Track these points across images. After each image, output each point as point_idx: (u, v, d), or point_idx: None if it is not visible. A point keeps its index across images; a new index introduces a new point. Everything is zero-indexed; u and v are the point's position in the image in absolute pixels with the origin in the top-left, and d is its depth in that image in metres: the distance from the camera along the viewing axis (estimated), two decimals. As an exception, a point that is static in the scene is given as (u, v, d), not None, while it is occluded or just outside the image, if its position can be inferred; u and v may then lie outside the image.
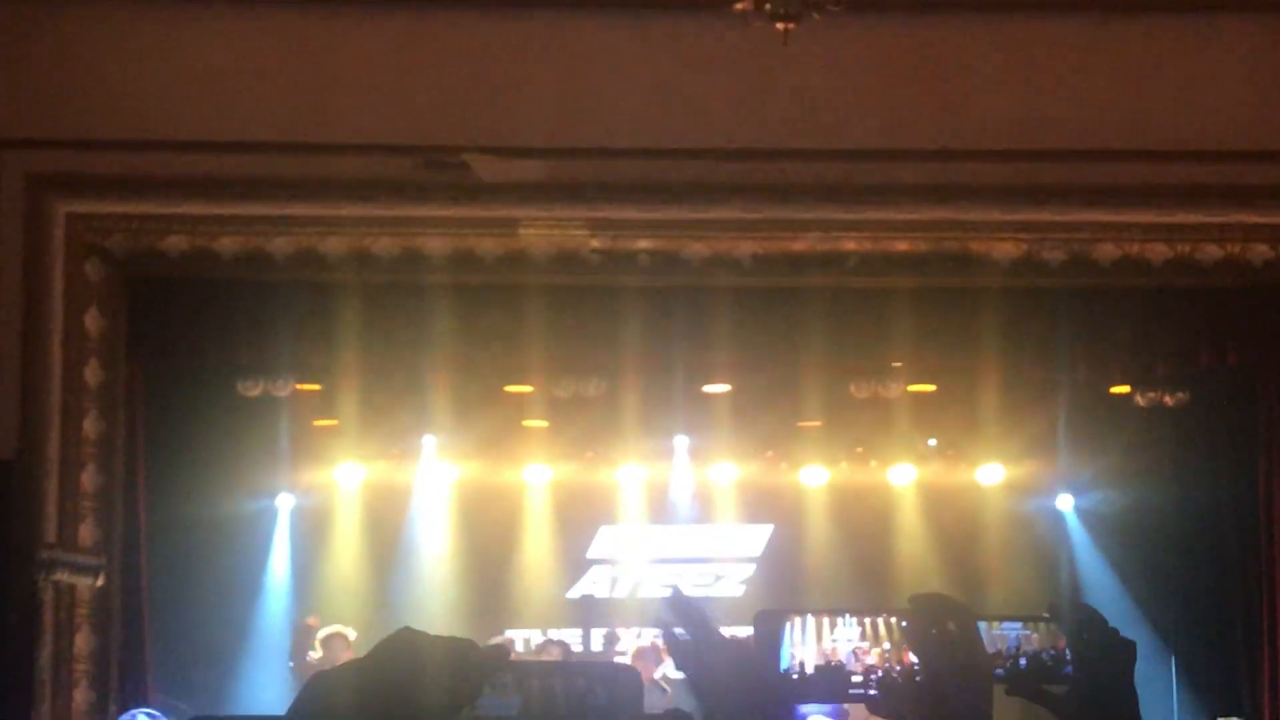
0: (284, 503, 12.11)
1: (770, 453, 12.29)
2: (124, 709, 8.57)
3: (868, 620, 2.11)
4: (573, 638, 12.56)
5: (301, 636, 11.39)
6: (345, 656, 9.78)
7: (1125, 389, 10.43)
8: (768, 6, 6.63)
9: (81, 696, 8.47)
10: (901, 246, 8.87)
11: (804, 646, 2.10)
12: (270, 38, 8.63)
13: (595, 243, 8.85)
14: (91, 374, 8.63)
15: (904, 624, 2.08)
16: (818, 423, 11.69)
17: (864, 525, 12.46)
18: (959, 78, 8.73)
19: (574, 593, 12.75)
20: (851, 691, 2.11)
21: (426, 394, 10.42)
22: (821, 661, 2.09)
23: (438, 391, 10.37)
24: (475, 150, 8.60)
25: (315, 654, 11.05)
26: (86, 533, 8.55)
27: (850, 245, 8.89)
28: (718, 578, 12.88)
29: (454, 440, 11.86)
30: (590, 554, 12.78)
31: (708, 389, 10.85)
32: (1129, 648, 2.15)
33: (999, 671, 2.15)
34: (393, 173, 8.63)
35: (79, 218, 8.57)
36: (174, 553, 10.00)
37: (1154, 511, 11.18)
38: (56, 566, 8.26)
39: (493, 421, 11.41)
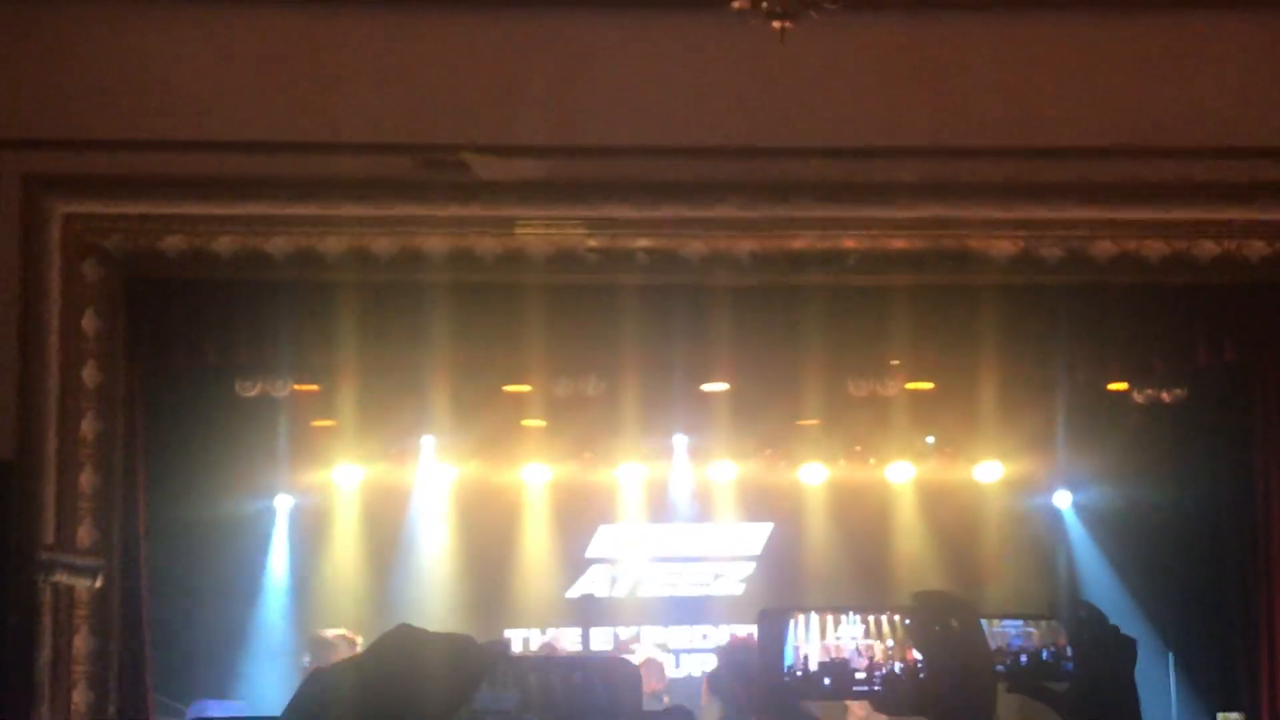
0: (283, 503, 12.12)
1: (769, 451, 12.30)
2: (122, 710, 8.58)
3: (871, 617, 2.11)
4: (572, 637, 12.57)
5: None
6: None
7: (1123, 386, 10.44)
8: (764, 5, 6.62)
9: (80, 697, 8.46)
10: (899, 244, 8.88)
11: (808, 644, 2.10)
12: (268, 37, 8.63)
13: (593, 242, 8.85)
14: (89, 374, 8.63)
15: (907, 621, 2.08)
16: (816, 421, 11.71)
17: (863, 523, 12.48)
18: (956, 75, 8.73)
19: (573, 592, 12.76)
20: (855, 689, 2.11)
21: (425, 394, 10.42)
22: (825, 659, 2.10)
23: (436, 391, 10.37)
24: (473, 149, 8.60)
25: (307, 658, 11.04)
26: (85, 534, 8.54)
27: (848, 243, 8.89)
28: (717, 576, 12.90)
29: (453, 440, 11.87)
30: (589, 553, 12.79)
31: (706, 387, 10.86)
32: (1130, 645, 2.16)
33: (999, 669, 2.15)
34: (391, 172, 8.63)
35: (76, 218, 8.57)
36: (173, 554, 10.00)
37: (1151, 508, 11.19)
38: (55, 568, 8.26)
39: (491, 421, 11.42)
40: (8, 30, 8.45)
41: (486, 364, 9.81)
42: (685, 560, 12.91)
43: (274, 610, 11.90)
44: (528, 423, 11.61)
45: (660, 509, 12.62)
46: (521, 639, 12.34)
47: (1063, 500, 12.43)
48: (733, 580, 12.85)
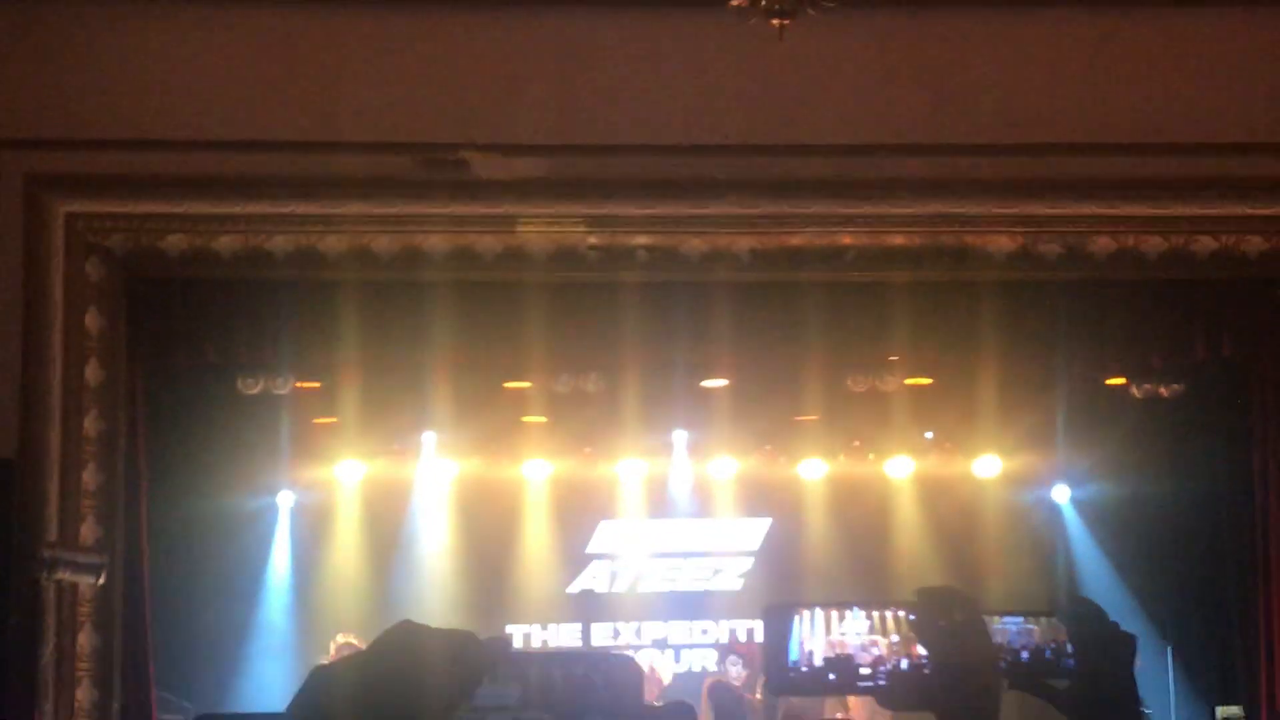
0: (285, 500, 12.14)
1: (768, 446, 12.33)
2: (125, 707, 8.60)
3: (876, 613, 2.14)
4: (573, 633, 12.60)
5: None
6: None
7: (1121, 381, 10.47)
8: (763, 3, 6.64)
9: (84, 695, 8.49)
10: (898, 240, 8.90)
11: (813, 639, 2.12)
12: (269, 36, 8.64)
13: (593, 239, 8.87)
14: (92, 373, 8.65)
15: (912, 617, 2.11)
16: (816, 416, 11.72)
17: (862, 518, 12.50)
18: (954, 72, 8.75)
19: (574, 588, 12.78)
20: (860, 684, 2.14)
21: (426, 391, 10.44)
22: (830, 654, 2.12)
23: (437, 388, 10.39)
24: (474, 147, 8.62)
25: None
26: (88, 531, 8.57)
27: (847, 239, 8.91)
28: (717, 571, 12.92)
29: (454, 437, 11.89)
30: (590, 549, 12.81)
31: (706, 384, 10.89)
32: (1130, 641, 2.18)
33: (1000, 665, 2.17)
34: (392, 171, 8.65)
35: (78, 217, 8.59)
36: (175, 551, 10.03)
37: (1150, 502, 11.22)
38: (58, 565, 8.28)
39: (492, 418, 11.44)
40: (10, 30, 8.47)
41: (487, 361, 9.83)
42: (685, 556, 12.93)
43: (276, 607, 11.92)
44: (528, 419, 11.63)
45: (660, 504, 12.64)
46: (522, 634, 12.36)
47: (1061, 495, 12.45)
48: (732, 575, 12.88)
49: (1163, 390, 10.33)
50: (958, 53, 8.78)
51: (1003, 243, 8.89)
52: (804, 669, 2.16)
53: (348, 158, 8.65)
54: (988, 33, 8.79)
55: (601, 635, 12.66)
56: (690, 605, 12.77)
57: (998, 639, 2.21)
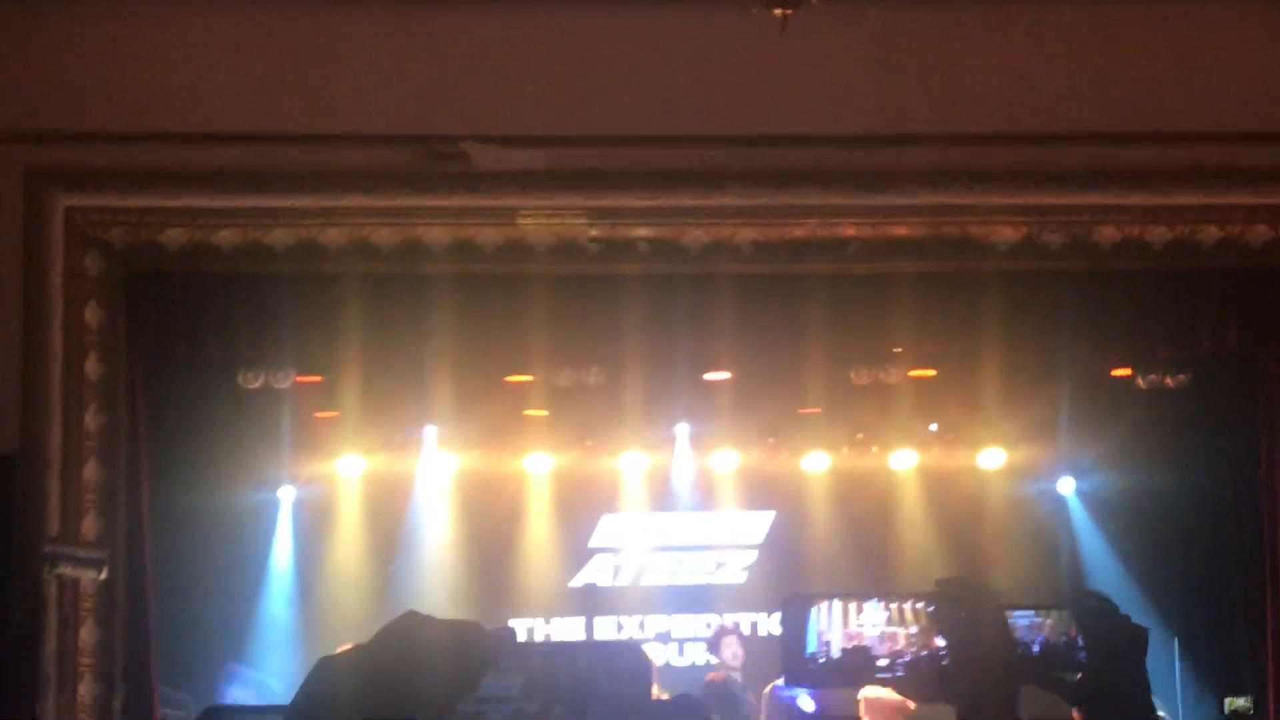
0: (286, 494, 12.12)
1: (771, 439, 12.29)
2: (128, 702, 8.59)
3: (894, 604, 2.11)
4: (575, 627, 12.58)
5: None
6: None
7: (1126, 372, 10.43)
8: (766, -7, 6.61)
9: (86, 690, 8.47)
10: (901, 232, 8.87)
11: (830, 630, 2.10)
12: (268, 29, 8.62)
13: (594, 231, 8.85)
14: (92, 367, 8.63)
15: (931, 608, 2.08)
16: (819, 409, 11.69)
17: (866, 511, 12.47)
18: (957, 62, 8.72)
19: (576, 582, 12.76)
20: (878, 675, 2.11)
21: (427, 384, 10.41)
22: (848, 645, 2.09)
23: (438, 382, 10.36)
24: (474, 139, 8.60)
25: None
26: (89, 526, 8.55)
27: (850, 231, 8.88)
28: (720, 565, 12.90)
29: (455, 430, 11.86)
30: (592, 543, 12.79)
31: (708, 376, 10.86)
32: (1141, 634, 2.16)
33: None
34: (392, 163, 8.63)
35: (78, 211, 8.57)
36: (177, 545, 10.01)
37: (1155, 494, 11.19)
38: (60, 560, 8.27)
39: (494, 411, 11.42)
40: (9, 24, 8.45)
41: (488, 354, 9.80)
42: (688, 549, 12.91)
43: (278, 601, 11.91)
44: (530, 413, 11.61)
45: (663, 498, 12.61)
46: (525, 629, 12.34)
47: (1066, 487, 12.42)
48: (735, 569, 12.85)
49: (1168, 381, 10.30)
50: (960, 43, 8.75)
51: (1006, 233, 8.87)
52: (821, 660, 2.13)
53: (348, 150, 8.63)
54: (990, 23, 8.76)
55: (604, 629, 12.64)
56: (693, 599, 12.74)
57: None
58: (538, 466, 12.33)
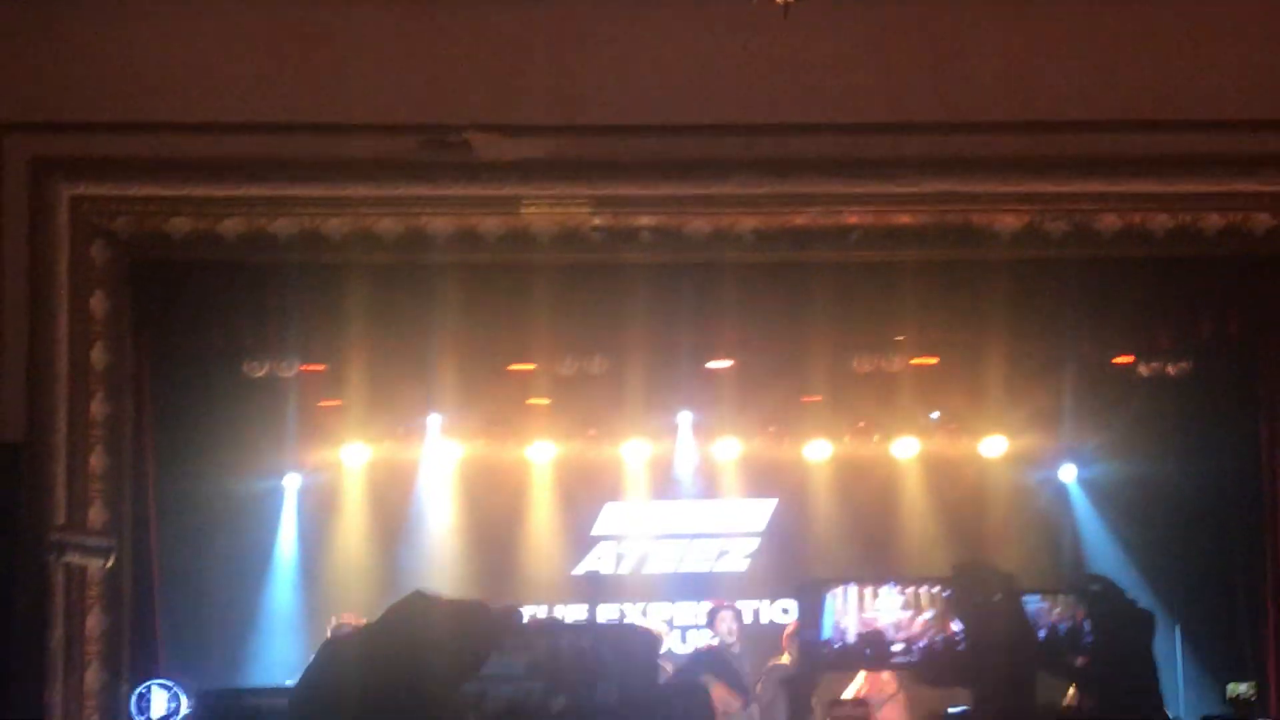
0: (291, 483, 12.13)
1: (774, 428, 12.30)
2: (135, 688, 8.62)
3: (910, 589, 2.13)
4: (579, 615, 12.60)
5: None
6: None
7: (1128, 359, 10.44)
8: (769, -19, 6.62)
9: (93, 677, 8.51)
10: (904, 220, 8.88)
11: (846, 616, 2.12)
12: (272, 19, 8.63)
13: (597, 220, 8.87)
14: (98, 356, 8.66)
15: (947, 593, 2.10)
16: (821, 397, 11.69)
17: (867, 499, 12.47)
18: (960, 49, 8.73)
19: (580, 569, 12.78)
20: (894, 660, 2.13)
21: (431, 373, 10.42)
22: (864, 630, 2.11)
23: (442, 370, 10.38)
24: (477, 129, 8.61)
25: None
26: (95, 515, 8.58)
27: (853, 219, 8.90)
28: (722, 552, 12.92)
29: (458, 419, 11.88)
30: (595, 530, 12.81)
31: (711, 365, 10.87)
32: (1148, 619, 2.18)
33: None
34: (395, 152, 8.64)
35: (84, 200, 8.59)
36: (182, 533, 10.04)
37: (1157, 481, 11.20)
38: (66, 548, 8.30)
39: (497, 400, 11.42)
40: (15, 14, 8.46)
41: (491, 343, 9.82)
42: (691, 537, 12.92)
43: (283, 588, 11.93)
44: (533, 401, 11.62)
45: (665, 486, 12.62)
46: (528, 617, 12.34)
47: (1068, 475, 12.43)
48: (738, 556, 12.87)
49: (1170, 369, 10.32)
50: (963, 31, 8.76)
51: (1009, 221, 8.88)
52: (837, 646, 2.16)
53: (351, 140, 8.65)
54: (993, 11, 8.76)
55: (607, 617, 12.65)
56: (696, 586, 12.76)
57: (1015, 615, 2.20)
58: (541, 455, 12.34)
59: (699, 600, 12.59)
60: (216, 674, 10.61)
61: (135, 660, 8.79)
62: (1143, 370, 10.40)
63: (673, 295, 9.27)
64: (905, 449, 12.40)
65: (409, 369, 10.41)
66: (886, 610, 2.11)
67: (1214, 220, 8.88)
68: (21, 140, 8.49)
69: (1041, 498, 12.42)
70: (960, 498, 12.26)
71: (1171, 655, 10.69)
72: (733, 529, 12.90)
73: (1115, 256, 9.08)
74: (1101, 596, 2.17)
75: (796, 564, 12.21)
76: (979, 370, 10.52)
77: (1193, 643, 10.83)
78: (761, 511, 12.89)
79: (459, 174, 8.68)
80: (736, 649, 10.66)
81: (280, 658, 11.24)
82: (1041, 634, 2.20)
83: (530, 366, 10.75)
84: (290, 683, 5.06)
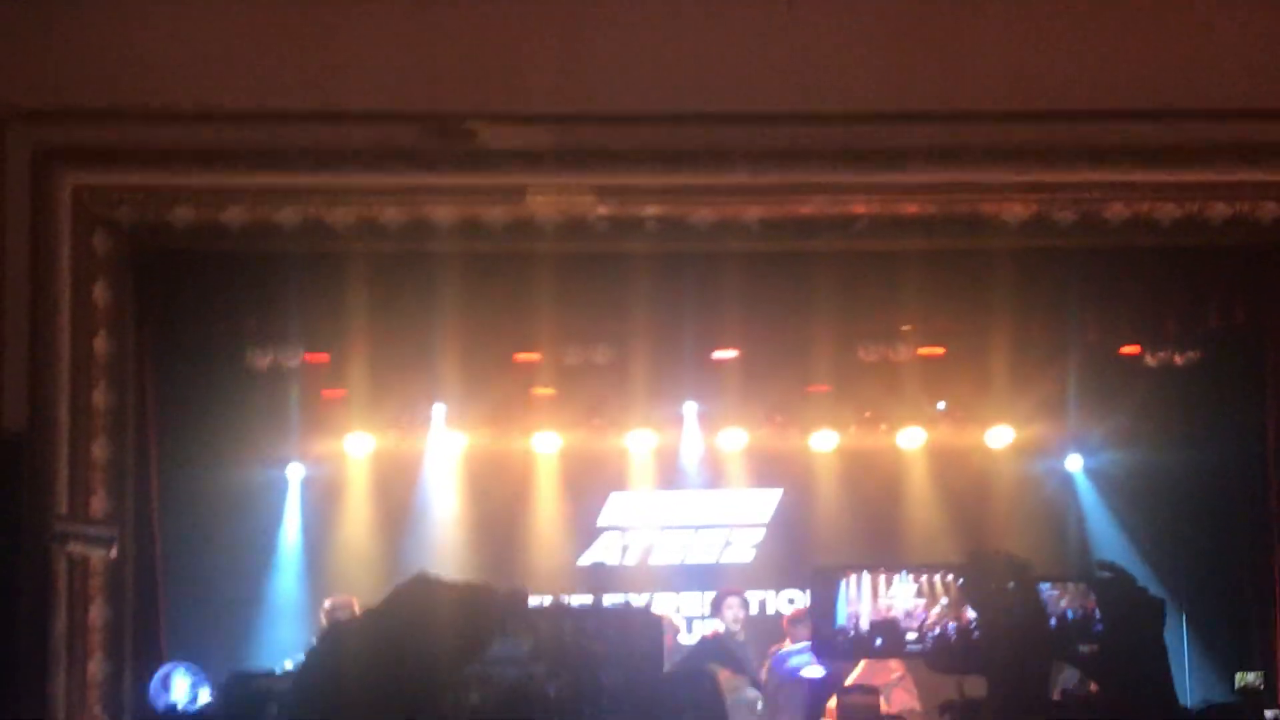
0: (294, 473, 12.12)
1: (779, 418, 12.26)
2: (138, 679, 8.61)
3: (924, 577, 2.10)
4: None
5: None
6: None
7: (1135, 349, 10.42)
8: (774, -31, 6.60)
9: (96, 667, 8.50)
10: (910, 209, 8.85)
11: (859, 603, 2.09)
12: (275, 7, 8.60)
13: (602, 209, 8.84)
14: (100, 346, 8.64)
15: (961, 581, 2.06)
16: (827, 387, 11.66)
17: (873, 489, 12.44)
18: (967, 38, 8.69)
19: (585, 560, 12.76)
20: (908, 648, 2.10)
21: (435, 363, 10.39)
22: (877, 618, 2.08)
23: (446, 360, 10.35)
24: (482, 117, 8.58)
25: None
26: (98, 504, 8.57)
27: (859, 208, 8.87)
28: (728, 543, 12.89)
29: (463, 409, 11.85)
30: (600, 521, 12.79)
31: (716, 355, 10.84)
32: (1158, 606, 2.15)
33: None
34: (399, 141, 8.61)
35: (86, 189, 8.57)
36: (185, 523, 10.02)
37: (1163, 471, 11.17)
38: (69, 538, 8.28)
39: (501, 389, 11.40)
40: (16, 4, 8.43)
41: (496, 332, 9.80)
42: (696, 528, 12.90)
43: (287, 579, 11.91)
44: (538, 391, 11.59)
45: (670, 476, 12.59)
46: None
47: (1074, 464, 12.40)
48: (743, 547, 12.85)
49: (1177, 358, 10.28)
50: (969, 19, 8.72)
51: (1016, 210, 8.85)
52: (850, 633, 2.13)
53: (355, 129, 8.62)
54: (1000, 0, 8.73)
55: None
56: (701, 577, 12.74)
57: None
58: (545, 445, 12.31)
59: (704, 591, 12.57)
60: (219, 665, 10.59)
61: (138, 650, 8.78)
62: (1149, 360, 10.37)
63: (678, 285, 9.24)
64: (911, 439, 12.36)
65: (413, 359, 10.39)
66: (900, 598, 2.08)
67: (1221, 210, 8.85)
68: (24, 129, 8.47)
69: (1048, 488, 12.39)
70: (966, 488, 12.23)
71: (1178, 645, 10.67)
72: (738, 519, 12.88)
73: (1122, 246, 9.05)
74: (1112, 584, 2.14)
75: (802, 555, 12.20)
76: (985, 360, 10.49)
77: (1200, 633, 10.81)
78: (767, 502, 12.87)
79: (463, 163, 8.65)
80: (741, 637, 10.64)
81: (284, 650, 11.22)
82: (1051, 622, 2.16)
83: (535, 356, 10.73)
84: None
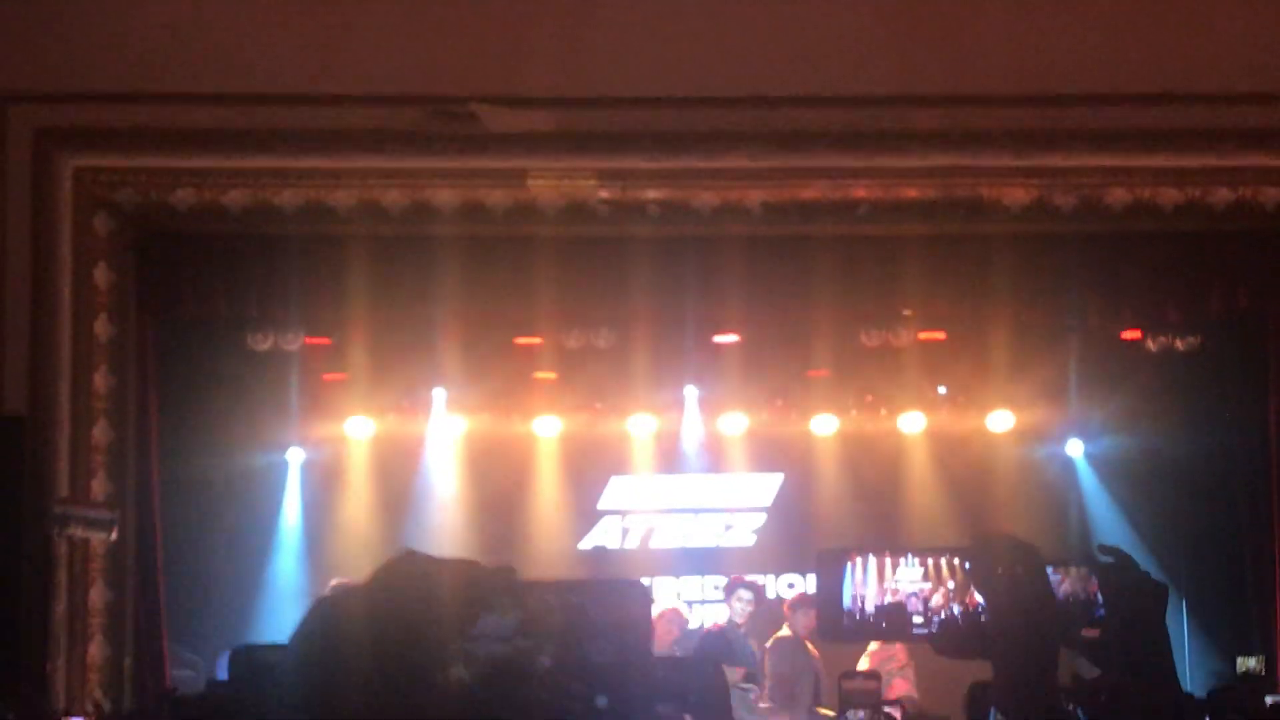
0: (295, 456, 12.11)
1: (780, 402, 12.25)
2: (138, 662, 8.61)
3: (930, 560, 2.09)
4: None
5: None
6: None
7: (1136, 334, 10.41)
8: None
9: (96, 650, 8.51)
10: (912, 193, 8.84)
11: (865, 586, 2.08)
12: (276, -11, 8.59)
13: (604, 193, 8.82)
14: (101, 328, 8.63)
15: (968, 564, 2.06)
16: (828, 371, 11.65)
17: (874, 473, 12.44)
18: (969, 23, 8.67)
19: (586, 544, 12.77)
20: (914, 631, 2.10)
21: (436, 346, 10.40)
22: (883, 601, 2.08)
23: (447, 344, 10.35)
24: (483, 101, 8.56)
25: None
26: (98, 487, 8.58)
27: (860, 193, 8.86)
28: (728, 527, 12.90)
29: (464, 392, 11.84)
30: (601, 505, 12.79)
31: (717, 339, 10.84)
32: (1161, 591, 2.14)
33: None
34: (401, 124, 8.60)
35: (87, 172, 8.56)
36: (186, 506, 10.02)
37: (1164, 456, 11.17)
38: (70, 521, 8.28)
39: (502, 373, 11.39)
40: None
41: (497, 316, 9.79)
42: (697, 511, 12.91)
43: (287, 563, 11.92)
44: (539, 375, 11.59)
45: (671, 460, 12.59)
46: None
47: (1075, 449, 12.39)
48: (744, 531, 12.86)
49: (1178, 343, 10.27)
50: (972, 5, 8.70)
51: (1017, 195, 8.83)
52: (856, 616, 2.12)
53: (356, 111, 8.61)
54: (1002, -17, 8.71)
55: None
56: (702, 561, 12.75)
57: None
58: (546, 429, 12.31)
59: (705, 575, 12.58)
60: (219, 648, 10.61)
61: (138, 633, 8.79)
62: (1151, 345, 10.36)
63: (679, 269, 9.23)
64: (912, 423, 12.36)
65: (414, 342, 10.39)
66: (906, 581, 2.07)
67: (1223, 195, 8.83)
68: (25, 111, 8.46)
69: (1048, 472, 12.39)
70: (967, 473, 12.23)
71: (1179, 630, 10.68)
72: (739, 504, 12.88)
73: (1124, 231, 9.04)
74: (1114, 568, 2.13)
75: (803, 539, 12.20)
76: (986, 345, 10.49)
77: (1200, 618, 10.81)
78: (768, 486, 12.87)
79: (465, 146, 8.64)
80: (743, 629, 10.65)
81: (284, 633, 11.23)
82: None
83: (536, 340, 10.72)
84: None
